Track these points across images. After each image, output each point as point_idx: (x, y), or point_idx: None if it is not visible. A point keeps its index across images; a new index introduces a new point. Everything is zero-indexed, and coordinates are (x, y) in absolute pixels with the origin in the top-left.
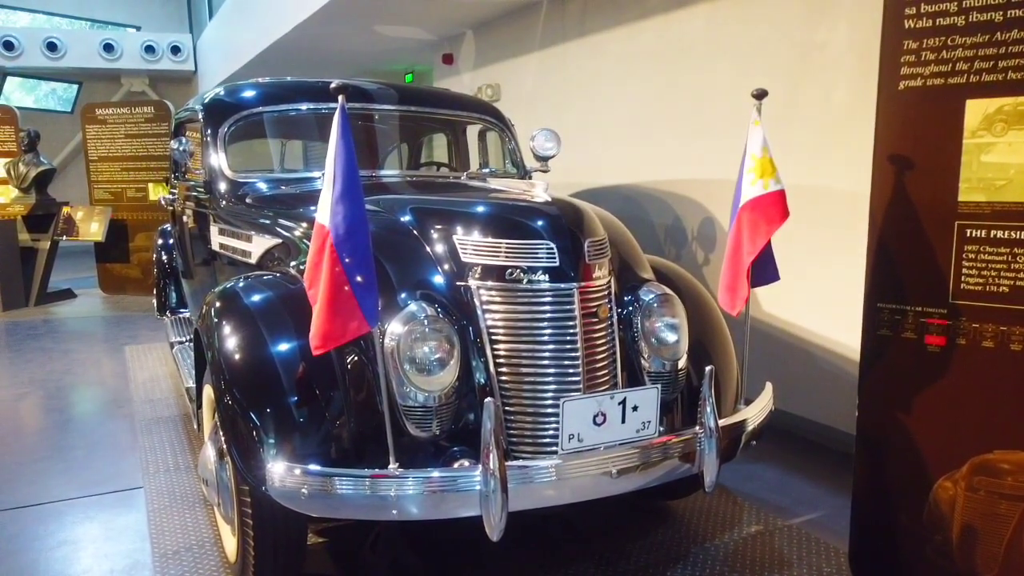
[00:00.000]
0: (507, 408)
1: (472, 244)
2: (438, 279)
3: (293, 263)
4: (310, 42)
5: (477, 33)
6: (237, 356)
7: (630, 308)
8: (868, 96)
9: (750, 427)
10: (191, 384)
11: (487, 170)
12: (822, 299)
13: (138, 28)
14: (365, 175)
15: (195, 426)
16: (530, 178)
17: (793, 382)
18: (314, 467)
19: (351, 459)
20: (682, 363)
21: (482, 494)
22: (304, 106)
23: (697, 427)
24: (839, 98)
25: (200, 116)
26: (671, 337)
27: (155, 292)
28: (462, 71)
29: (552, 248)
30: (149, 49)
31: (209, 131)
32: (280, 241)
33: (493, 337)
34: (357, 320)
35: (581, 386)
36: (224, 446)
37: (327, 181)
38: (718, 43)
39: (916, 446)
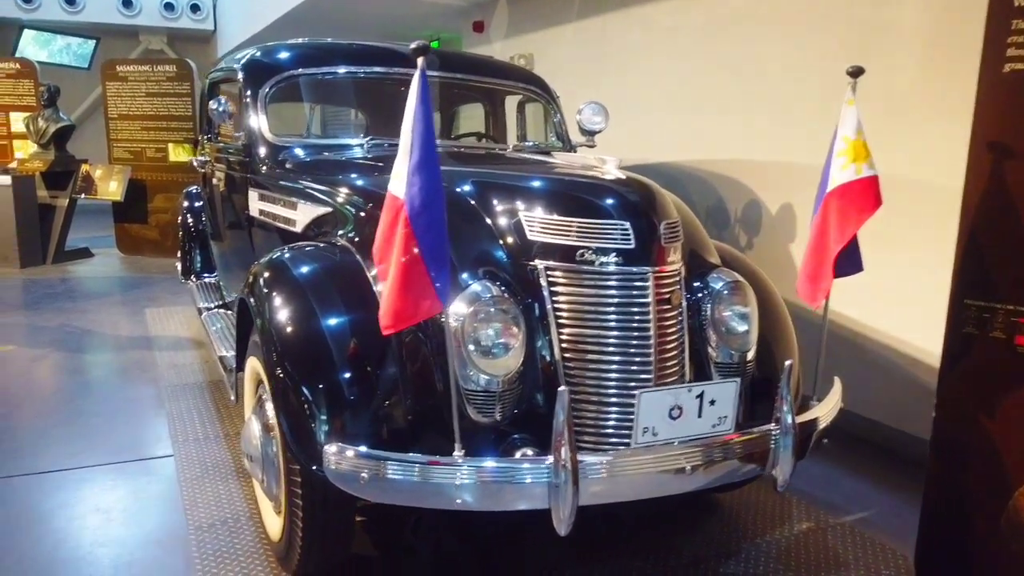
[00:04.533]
0: (571, 396)
1: (539, 222)
2: (501, 257)
3: (340, 232)
4: (336, 4)
5: (511, 0)
6: (290, 330)
7: (699, 295)
8: (938, 80)
9: (822, 425)
10: (225, 353)
11: (530, 143)
12: (890, 293)
13: None
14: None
15: (231, 397)
16: (574, 152)
17: (853, 379)
18: (374, 450)
19: (406, 442)
20: (751, 354)
21: (552, 486)
22: (346, 69)
23: (772, 423)
24: (905, 81)
25: (239, 76)
26: (741, 327)
27: (179, 256)
28: (493, 39)
29: (627, 229)
30: (168, 7)
31: (249, 92)
32: (329, 210)
33: (559, 321)
34: (430, 299)
35: (652, 376)
36: (273, 421)
37: (403, 150)
38: (773, 17)
39: (997, 451)
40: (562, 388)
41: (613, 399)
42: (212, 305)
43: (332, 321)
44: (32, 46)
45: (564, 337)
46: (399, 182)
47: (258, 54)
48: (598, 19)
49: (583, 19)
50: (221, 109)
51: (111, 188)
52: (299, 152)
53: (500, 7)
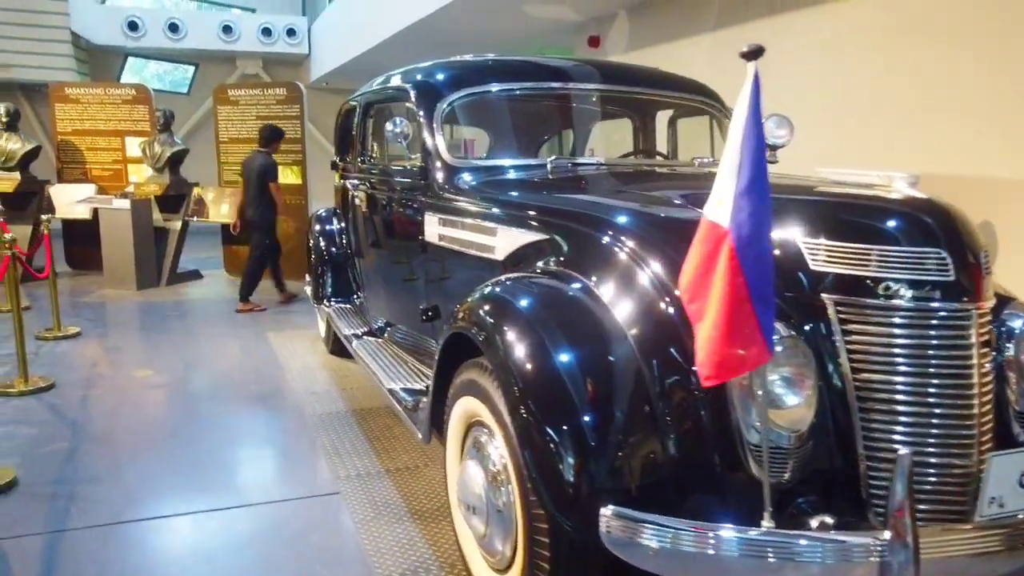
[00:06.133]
0: (870, 455)
1: (826, 249)
2: (777, 290)
3: (555, 260)
4: (449, 24)
5: (632, 13)
6: (540, 369)
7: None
8: None
9: None
10: (395, 386)
11: (707, 159)
12: None
13: (253, 10)
14: (584, 163)
15: (418, 436)
16: None
17: None
18: (667, 517)
19: (672, 504)
20: None
21: (886, 565)
22: (525, 85)
23: None
24: None
25: (411, 96)
26: None
27: (311, 279)
28: (610, 54)
29: (944, 258)
30: (266, 31)
31: (423, 112)
32: (541, 237)
33: (855, 366)
34: (758, 345)
35: (974, 433)
36: (501, 470)
37: (728, 168)
38: (955, 20)
39: None
40: (904, 451)
41: (933, 460)
42: (359, 332)
43: (588, 359)
44: (127, 73)
45: (859, 384)
46: (721, 207)
47: (429, 73)
48: (738, 29)
49: (722, 28)
50: (398, 130)
51: (223, 211)
52: (482, 174)
53: (619, 20)
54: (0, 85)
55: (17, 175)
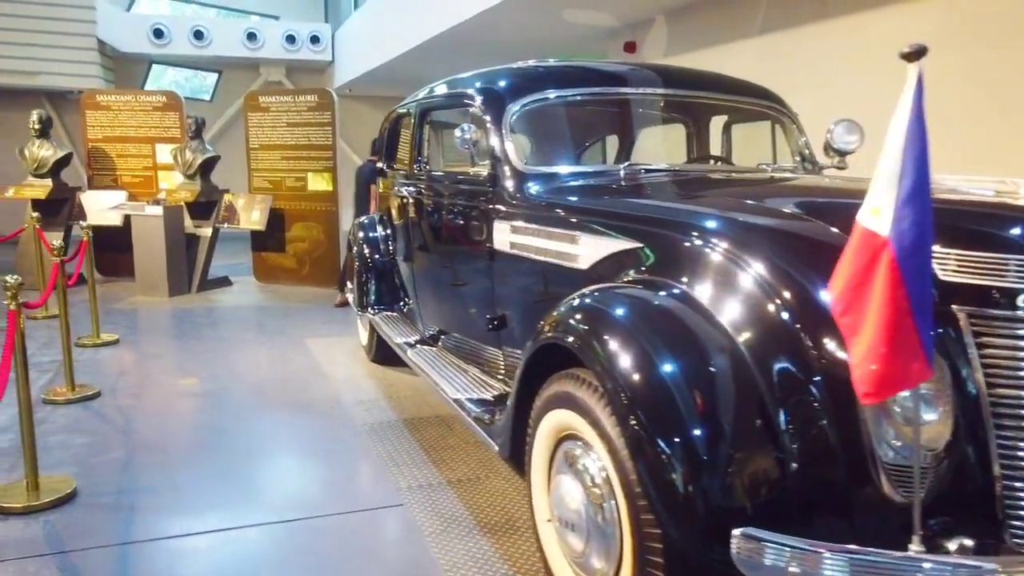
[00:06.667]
0: (1007, 474)
1: (957, 258)
2: None
3: (646, 268)
4: (483, 30)
5: (671, 18)
6: (653, 383)
7: None
8: None
9: None
10: (460, 396)
11: (767, 164)
12: None
13: (276, 18)
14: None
15: (495, 448)
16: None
17: None
18: (807, 539)
19: (795, 523)
20: None
21: None
22: (591, 90)
23: None
24: None
25: (477, 102)
26: None
27: (357, 287)
28: (647, 59)
29: None
30: (290, 39)
31: (490, 118)
32: (632, 245)
33: (990, 381)
34: (919, 361)
35: None
36: (600, 485)
37: (886, 175)
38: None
39: None
40: None
41: None
42: (412, 340)
43: (701, 370)
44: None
45: (994, 400)
46: (879, 216)
47: (495, 79)
48: (785, 34)
49: (767, 33)
50: (467, 137)
51: (254, 217)
52: (553, 181)
53: (657, 25)
54: (26, 92)
55: (49, 182)
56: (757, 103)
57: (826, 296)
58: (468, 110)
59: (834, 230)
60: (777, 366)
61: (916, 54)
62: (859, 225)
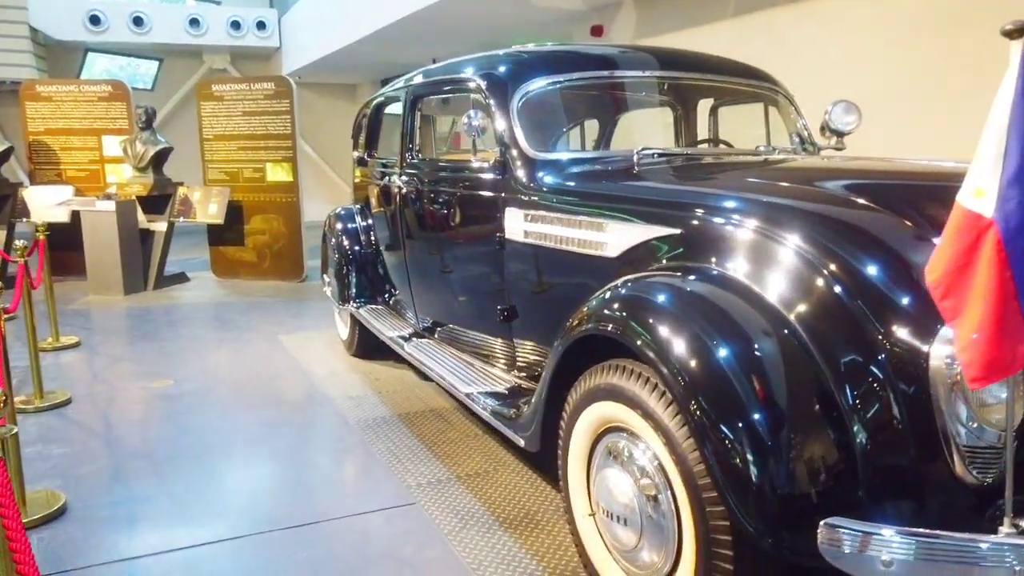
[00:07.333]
0: None
1: None
2: None
3: (684, 254)
4: (445, 15)
5: (639, 1)
6: (715, 369)
7: None
8: None
9: None
10: (471, 389)
11: (765, 147)
12: None
13: (218, 3)
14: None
15: (520, 443)
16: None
17: None
18: (901, 527)
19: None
20: None
21: None
22: (600, 74)
23: None
24: None
25: (483, 86)
26: None
27: (336, 280)
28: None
29: None
30: (235, 24)
31: (496, 103)
32: (669, 231)
33: None
34: None
35: None
36: (651, 477)
37: (989, 155)
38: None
39: None
40: None
41: None
42: (406, 333)
43: (763, 354)
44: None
45: None
46: (983, 197)
47: (498, 63)
48: (762, 15)
49: (741, 15)
50: (475, 123)
51: (211, 211)
52: (567, 167)
53: (626, 9)
54: None
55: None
56: (759, 85)
57: (882, 274)
58: (470, 96)
59: (878, 208)
60: (838, 347)
61: (1019, 31)
62: (960, 206)
